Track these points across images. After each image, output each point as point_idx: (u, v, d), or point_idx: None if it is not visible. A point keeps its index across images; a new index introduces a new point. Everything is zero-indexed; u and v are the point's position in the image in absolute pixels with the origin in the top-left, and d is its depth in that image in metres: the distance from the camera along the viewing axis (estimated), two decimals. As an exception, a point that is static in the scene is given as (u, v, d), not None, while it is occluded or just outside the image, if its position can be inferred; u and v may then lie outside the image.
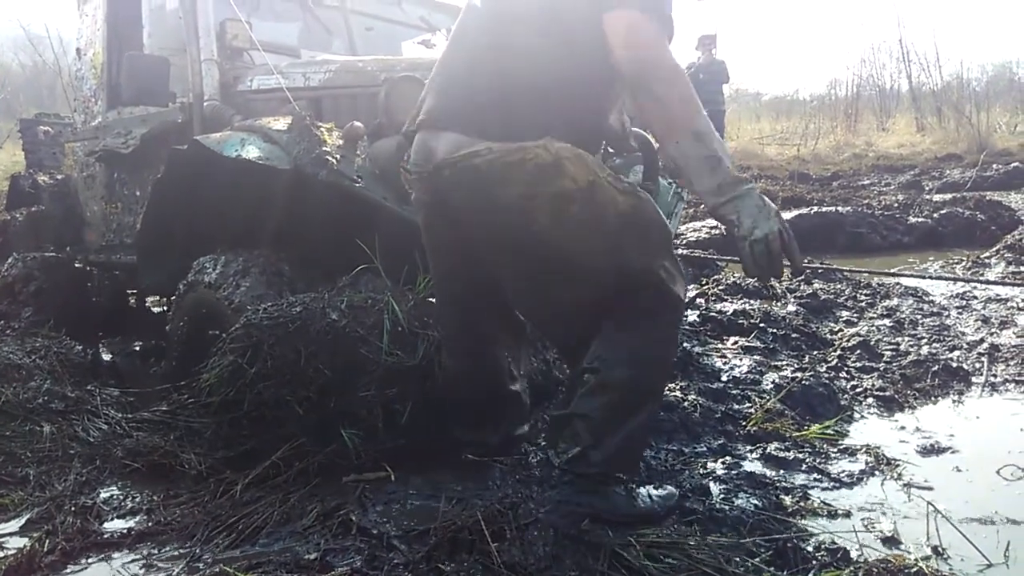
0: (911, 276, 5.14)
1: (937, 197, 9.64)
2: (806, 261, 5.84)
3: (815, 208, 8.48)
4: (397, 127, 3.20)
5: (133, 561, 2.00)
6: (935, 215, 8.26)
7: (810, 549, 1.93)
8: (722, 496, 2.24)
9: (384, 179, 3.05)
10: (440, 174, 2.04)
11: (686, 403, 2.83)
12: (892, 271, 4.99)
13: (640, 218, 2.04)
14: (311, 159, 2.96)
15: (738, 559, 1.87)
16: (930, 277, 5.31)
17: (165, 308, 5.34)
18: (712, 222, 8.24)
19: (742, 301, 4.38)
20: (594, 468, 2.00)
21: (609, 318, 2.04)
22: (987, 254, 6.08)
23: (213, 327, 3.02)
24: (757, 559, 1.87)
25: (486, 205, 2.00)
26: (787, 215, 8.05)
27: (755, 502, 2.20)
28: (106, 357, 4.30)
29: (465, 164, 1.97)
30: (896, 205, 9.10)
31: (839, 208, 8.41)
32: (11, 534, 2.19)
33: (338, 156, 2.99)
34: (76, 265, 5.08)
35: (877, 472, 2.43)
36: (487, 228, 2.07)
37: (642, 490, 2.12)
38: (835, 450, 2.59)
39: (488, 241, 2.10)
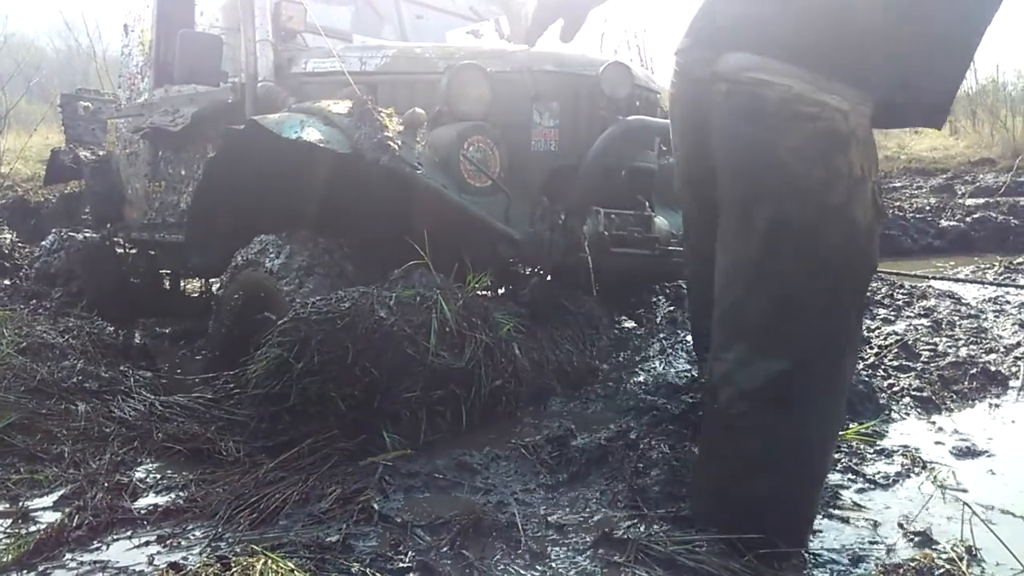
0: (942, 279, 5.08)
1: (970, 201, 9.49)
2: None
3: (845, 209, 8.36)
4: (458, 115, 3.15)
5: (158, 539, 2.00)
6: (967, 219, 8.15)
7: (837, 547, 1.90)
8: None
9: (444, 167, 3.01)
10: (714, 87, 1.78)
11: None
12: (920, 273, 4.92)
13: (863, 248, 1.73)
14: (372, 144, 2.91)
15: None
16: (960, 280, 5.23)
17: (200, 292, 5.38)
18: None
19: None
20: None
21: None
22: (1020, 259, 6.00)
23: (267, 310, 2.98)
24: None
25: (743, 135, 1.73)
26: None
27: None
28: (135, 339, 4.32)
29: (750, 89, 1.70)
30: (928, 208, 8.98)
31: (870, 210, 8.28)
32: (44, 509, 2.21)
33: (399, 142, 2.94)
34: (117, 250, 5.07)
35: (912, 474, 2.39)
36: (726, 150, 1.79)
37: None
38: (871, 451, 2.55)
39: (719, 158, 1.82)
